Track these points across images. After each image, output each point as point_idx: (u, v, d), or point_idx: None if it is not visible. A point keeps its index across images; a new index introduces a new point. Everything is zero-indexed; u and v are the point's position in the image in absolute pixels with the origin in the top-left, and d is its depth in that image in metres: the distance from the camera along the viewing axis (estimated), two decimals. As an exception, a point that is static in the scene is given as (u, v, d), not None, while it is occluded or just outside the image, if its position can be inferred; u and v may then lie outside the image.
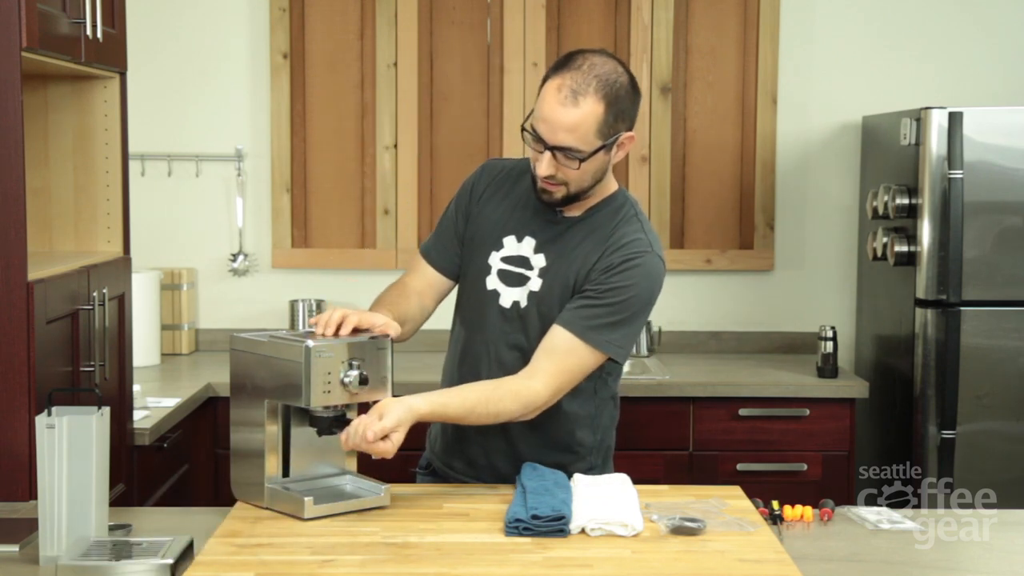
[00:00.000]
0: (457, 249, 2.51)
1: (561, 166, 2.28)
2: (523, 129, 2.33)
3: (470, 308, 2.48)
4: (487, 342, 2.44)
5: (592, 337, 2.32)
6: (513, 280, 2.42)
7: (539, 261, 2.40)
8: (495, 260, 2.44)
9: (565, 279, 2.38)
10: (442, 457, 2.54)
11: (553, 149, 2.26)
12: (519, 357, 2.39)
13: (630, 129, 2.32)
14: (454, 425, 2.46)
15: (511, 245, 2.43)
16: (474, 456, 2.46)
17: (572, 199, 2.35)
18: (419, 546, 2.05)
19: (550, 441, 2.43)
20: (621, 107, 2.28)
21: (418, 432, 3.74)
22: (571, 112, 2.24)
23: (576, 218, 2.41)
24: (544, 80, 2.30)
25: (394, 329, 2.27)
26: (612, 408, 2.52)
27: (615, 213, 2.40)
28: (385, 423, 2.16)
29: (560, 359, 2.32)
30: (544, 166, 2.28)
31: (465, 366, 2.47)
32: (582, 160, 2.27)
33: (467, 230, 2.49)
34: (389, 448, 2.17)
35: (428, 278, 2.53)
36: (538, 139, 2.28)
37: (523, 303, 2.40)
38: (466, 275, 2.49)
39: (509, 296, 2.42)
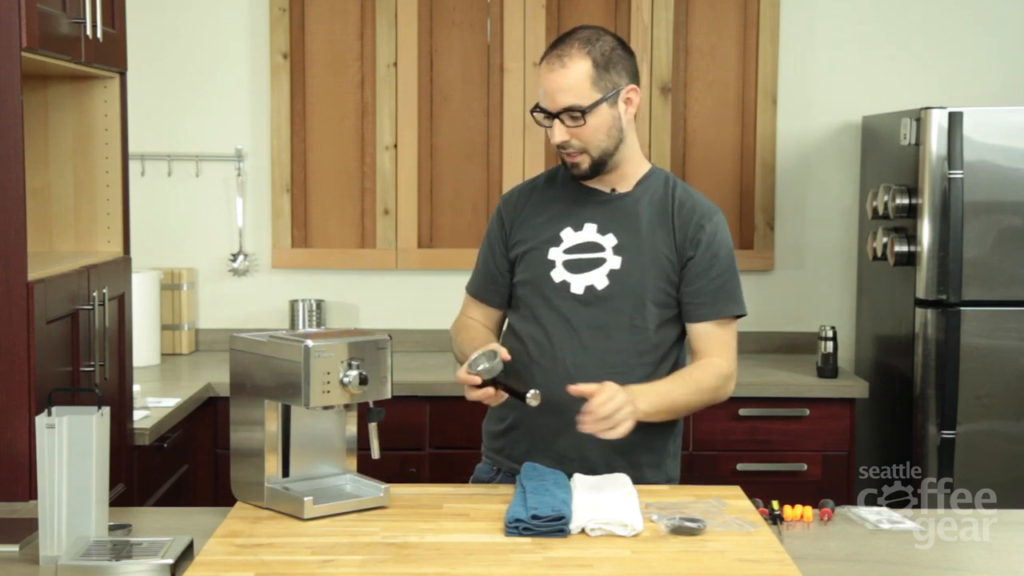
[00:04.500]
0: (502, 282, 2.59)
1: (570, 129, 2.41)
2: (532, 113, 2.48)
3: (539, 305, 2.51)
4: (570, 330, 2.47)
5: (727, 310, 2.52)
6: (583, 267, 2.49)
7: (610, 240, 2.49)
8: (556, 254, 2.50)
9: (653, 249, 2.47)
10: (527, 456, 2.49)
11: (558, 115, 2.41)
12: (604, 337, 2.45)
13: (632, 83, 2.49)
14: (542, 422, 2.46)
15: (570, 236, 2.51)
16: (565, 450, 2.45)
17: (599, 165, 2.47)
18: (419, 546, 2.05)
19: (644, 423, 2.43)
20: (609, 60, 2.44)
21: (419, 436, 3.74)
22: (562, 73, 2.41)
23: (630, 193, 2.52)
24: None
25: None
26: None
27: (665, 183, 2.54)
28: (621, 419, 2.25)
29: (716, 339, 2.51)
30: (556, 134, 2.43)
31: (546, 358, 2.48)
32: (584, 112, 2.39)
33: (513, 249, 2.57)
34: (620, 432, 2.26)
35: (487, 313, 2.64)
36: (544, 113, 2.44)
37: (599, 285, 2.47)
38: (525, 281, 2.54)
39: (581, 282, 2.48)
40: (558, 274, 2.49)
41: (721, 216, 2.54)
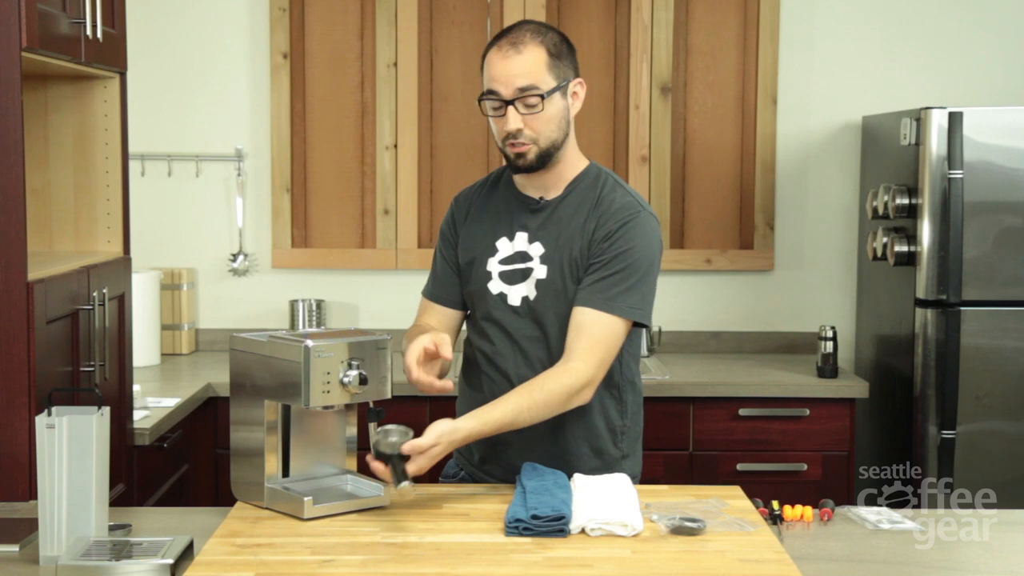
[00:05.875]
0: (457, 281, 2.56)
1: (525, 116, 2.37)
2: (479, 102, 2.42)
3: (483, 318, 2.50)
4: (511, 341, 2.46)
5: (611, 306, 2.37)
6: (516, 277, 2.46)
7: (537, 249, 2.45)
8: (493, 265, 2.48)
9: (570, 256, 2.42)
10: (480, 466, 2.53)
11: (513, 101, 2.36)
12: (543, 347, 2.43)
13: (578, 77, 2.45)
14: (493, 435, 2.44)
15: (504, 246, 2.48)
16: (513, 459, 2.44)
17: (546, 157, 2.41)
18: (419, 546, 2.05)
19: (587, 429, 2.45)
20: (560, 51, 2.40)
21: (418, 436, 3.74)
22: (518, 59, 2.36)
23: (558, 198, 2.47)
24: (483, 58, 2.44)
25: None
26: (632, 393, 2.55)
27: (594, 184, 2.47)
28: (421, 441, 2.17)
29: (588, 334, 2.36)
30: (511, 120, 2.37)
31: (493, 368, 2.49)
32: (543, 98, 2.35)
33: (460, 256, 2.54)
34: (422, 464, 2.17)
35: (440, 316, 2.57)
36: (496, 100, 2.38)
37: (532, 295, 2.44)
38: (471, 292, 2.53)
39: (516, 294, 2.46)
40: (495, 286, 2.47)
41: (644, 217, 2.42)
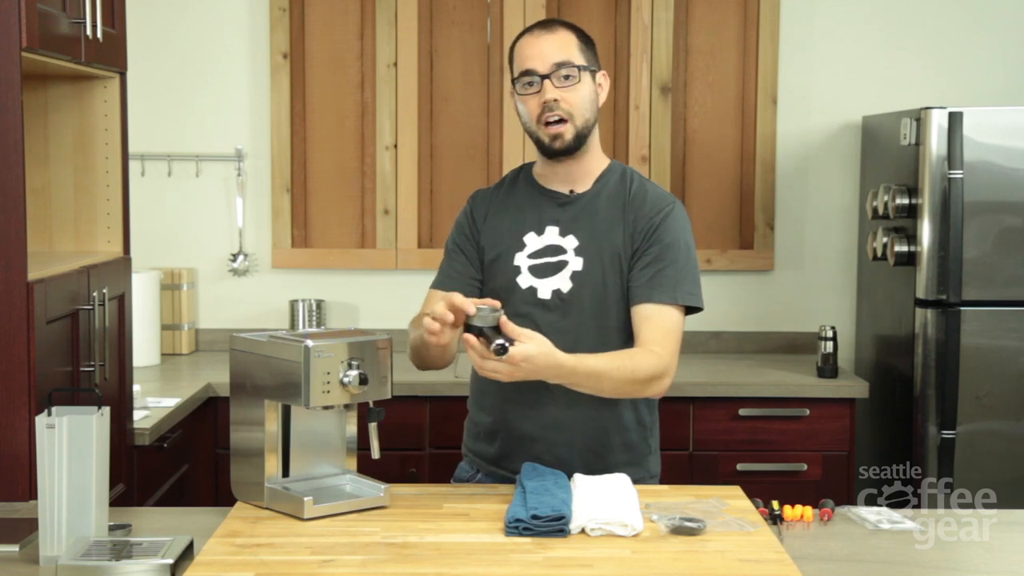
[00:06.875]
0: (471, 272, 2.55)
1: (561, 89, 2.41)
2: (513, 83, 2.47)
3: (510, 312, 2.43)
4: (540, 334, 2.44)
5: (674, 296, 2.42)
6: (548, 271, 2.47)
7: (571, 242, 2.48)
8: (521, 259, 2.49)
9: (611, 248, 2.45)
10: (499, 463, 2.52)
11: (550, 75, 2.41)
12: (572, 341, 2.40)
13: (601, 69, 2.52)
14: (516, 426, 2.47)
15: (534, 241, 2.50)
16: (540, 455, 2.45)
17: (581, 138, 2.45)
18: (419, 546, 2.05)
19: (620, 424, 2.47)
20: (587, 42, 2.49)
21: (419, 436, 3.74)
22: (551, 37, 2.45)
23: (589, 192, 2.51)
24: (512, 48, 2.50)
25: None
26: None
27: (622, 179, 2.53)
28: (518, 328, 2.16)
29: (659, 326, 2.40)
30: (547, 91, 2.41)
31: None
32: (580, 69, 2.42)
33: (479, 250, 2.55)
34: (503, 370, 2.15)
35: None
36: (532, 76, 2.42)
37: (565, 288, 2.46)
38: (497, 288, 2.51)
39: (547, 287, 2.47)
40: (524, 280, 2.48)
41: (678, 207, 2.50)
